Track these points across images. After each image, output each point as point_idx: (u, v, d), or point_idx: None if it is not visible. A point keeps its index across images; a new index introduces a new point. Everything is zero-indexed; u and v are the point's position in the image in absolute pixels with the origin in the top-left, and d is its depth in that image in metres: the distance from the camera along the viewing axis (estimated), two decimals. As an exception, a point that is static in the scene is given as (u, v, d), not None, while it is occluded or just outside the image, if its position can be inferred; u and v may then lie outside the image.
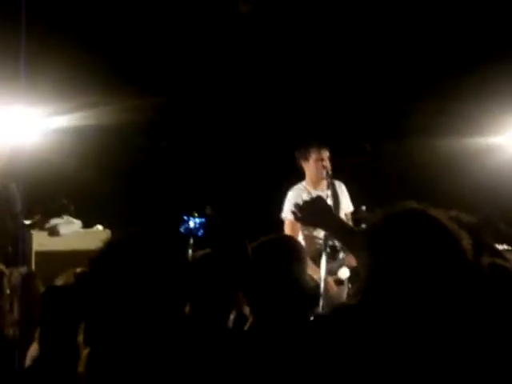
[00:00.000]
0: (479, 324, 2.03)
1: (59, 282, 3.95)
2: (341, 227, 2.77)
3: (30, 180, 6.67)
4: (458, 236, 1.96)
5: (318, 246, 5.56)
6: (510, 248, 5.19)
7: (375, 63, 7.33)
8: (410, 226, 1.97)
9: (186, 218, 4.28)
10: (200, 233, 4.21)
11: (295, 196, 5.83)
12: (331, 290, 5.33)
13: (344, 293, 5.62)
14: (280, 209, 5.89)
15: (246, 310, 3.01)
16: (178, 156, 7.93)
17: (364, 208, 6.21)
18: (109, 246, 2.13)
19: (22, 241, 6.39)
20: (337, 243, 5.57)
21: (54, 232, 6.91)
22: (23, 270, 4.51)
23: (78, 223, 7.11)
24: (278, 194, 6.03)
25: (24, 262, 5.99)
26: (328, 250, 5.22)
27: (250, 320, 2.69)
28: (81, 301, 2.61)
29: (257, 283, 2.34)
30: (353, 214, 6.06)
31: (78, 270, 4.13)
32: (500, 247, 4.10)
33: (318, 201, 2.82)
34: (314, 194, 5.83)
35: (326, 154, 5.79)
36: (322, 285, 4.78)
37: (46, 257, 6.66)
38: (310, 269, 4.36)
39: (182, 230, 4.20)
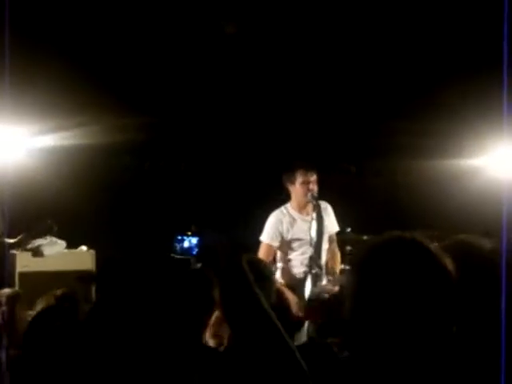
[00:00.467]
0: (468, 357, 2.03)
1: (39, 306, 3.95)
2: None
3: (14, 199, 6.64)
4: (445, 263, 1.97)
5: (296, 276, 5.63)
6: None
7: (360, 83, 7.37)
8: (398, 256, 1.97)
9: (180, 237, 4.30)
10: (194, 251, 4.23)
11: (275, 220, 5.85)
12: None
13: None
14: (261, 230, 5.91)
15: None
16: (162, 176, 7.92)
17: (349, 230, 6.25)
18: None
19: (6, 262, 6.35)
20: (318, 270, 5.62)
21: (37, 253, 6.86)
22: (8, 291, 4.48)
23: (62, 244, 7.07)
24: (261, 216, 6.04)
25: (8, 283, 5.96)
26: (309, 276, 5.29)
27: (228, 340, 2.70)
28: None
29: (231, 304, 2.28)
30: (338, 234, 6.09)
31: (58, 292, 4.14)
32: None
33: None
34: (297, 217, 5.86)
35: (312, 176, 5.77)
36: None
37: (29, 278, 6.62)
38: (287, 295, 4.40)
39: (177, 249, 4.21)
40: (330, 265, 5.89)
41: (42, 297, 4.11)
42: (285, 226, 5.82)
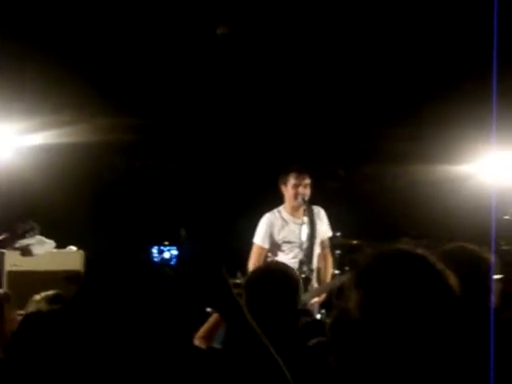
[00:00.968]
0: (469, 364, 2.05)
1: (30, 308, 3.89)
2: None
3: (0, 198, 6.59)
4: (446, 275, 2.00)
5: None
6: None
7: (350, 88, 7.38)
8: (404, 271, 2.00)
9: (159, 248, 4.27)
10: (173, 262, 4.20)
11: (267, 222, 5.85)
12: None
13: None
14: (253, 234, 5.90)
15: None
16: (152, 177, 7.89)
17: (339, 234, 6.25)
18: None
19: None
20: (309, 273, 5.62)
21: (26, 252, 6.82)
22: (-2, 290, 4.43)
23: (50, 243, 7.02)
24: (253, 219, 6.03)
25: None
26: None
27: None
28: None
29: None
30: (330, 239, 6.09)
31: (50, 292, 4.08)
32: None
33: None
34: (289, 220, 5.86)
35: (305, 180, 5.78)
36: None
37: (18, 277, 6.58)
38: None
39: (157, 260, 4.18)
40: (321, 270, 5.90)
41: (32, 297, 4.05)
42: (276, 227, 5.83)
